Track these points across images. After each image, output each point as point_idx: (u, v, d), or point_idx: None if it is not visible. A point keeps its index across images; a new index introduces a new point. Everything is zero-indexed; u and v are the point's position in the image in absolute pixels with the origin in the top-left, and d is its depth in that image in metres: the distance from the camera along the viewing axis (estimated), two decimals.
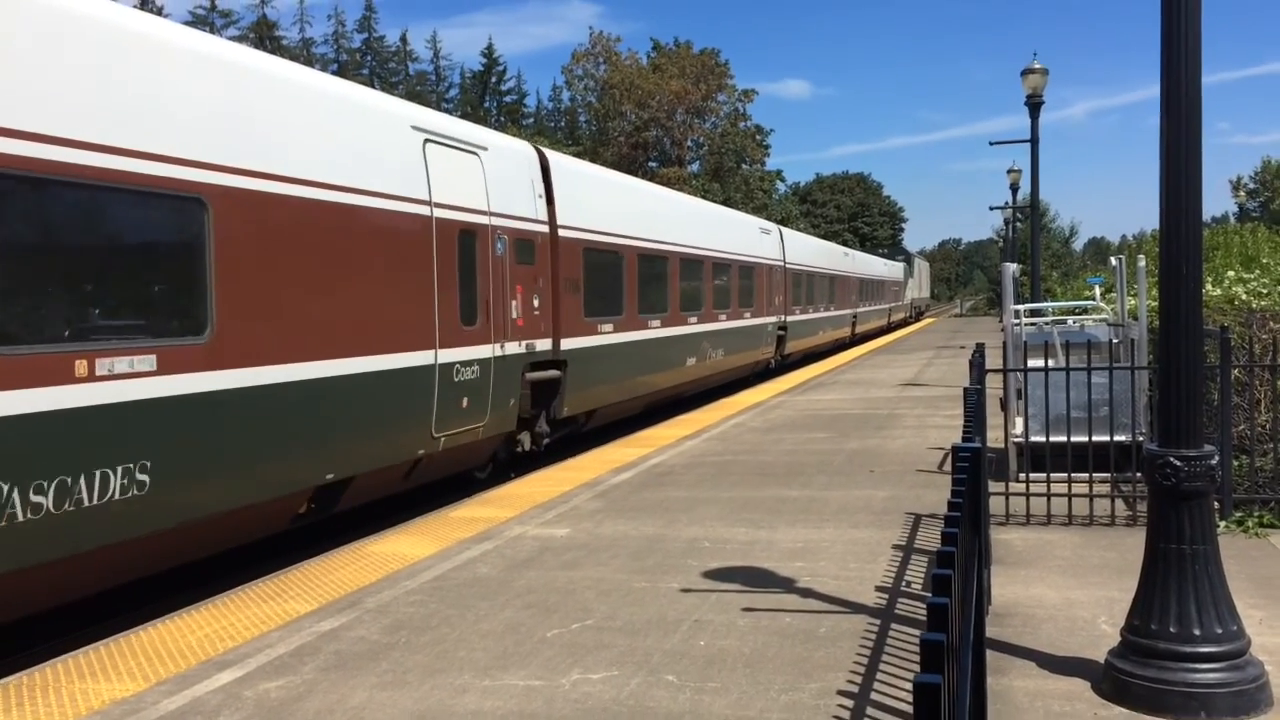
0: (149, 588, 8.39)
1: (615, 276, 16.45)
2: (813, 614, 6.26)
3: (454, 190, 11.33)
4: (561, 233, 14.30)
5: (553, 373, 13.71)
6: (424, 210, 10.66)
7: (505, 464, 13.24)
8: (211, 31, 71.32)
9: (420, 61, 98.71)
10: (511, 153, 13.39)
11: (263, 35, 76.57)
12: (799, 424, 15.39)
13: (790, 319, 29.95)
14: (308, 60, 79.05)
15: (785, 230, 32.61)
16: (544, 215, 13.83)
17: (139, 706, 5.11)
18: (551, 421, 13.92)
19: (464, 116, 62.50)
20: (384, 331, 9.85)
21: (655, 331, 17.99)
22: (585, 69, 67.30)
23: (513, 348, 12.46)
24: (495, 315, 12.01)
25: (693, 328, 20.19)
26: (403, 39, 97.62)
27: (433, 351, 10.67)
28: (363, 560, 7.93)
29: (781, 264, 29.40)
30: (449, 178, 11.24)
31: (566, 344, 14.12)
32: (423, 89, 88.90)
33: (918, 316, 79.30)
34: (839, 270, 40.05)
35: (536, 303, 13.26)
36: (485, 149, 12.43)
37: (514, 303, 12.54)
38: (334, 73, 77.70)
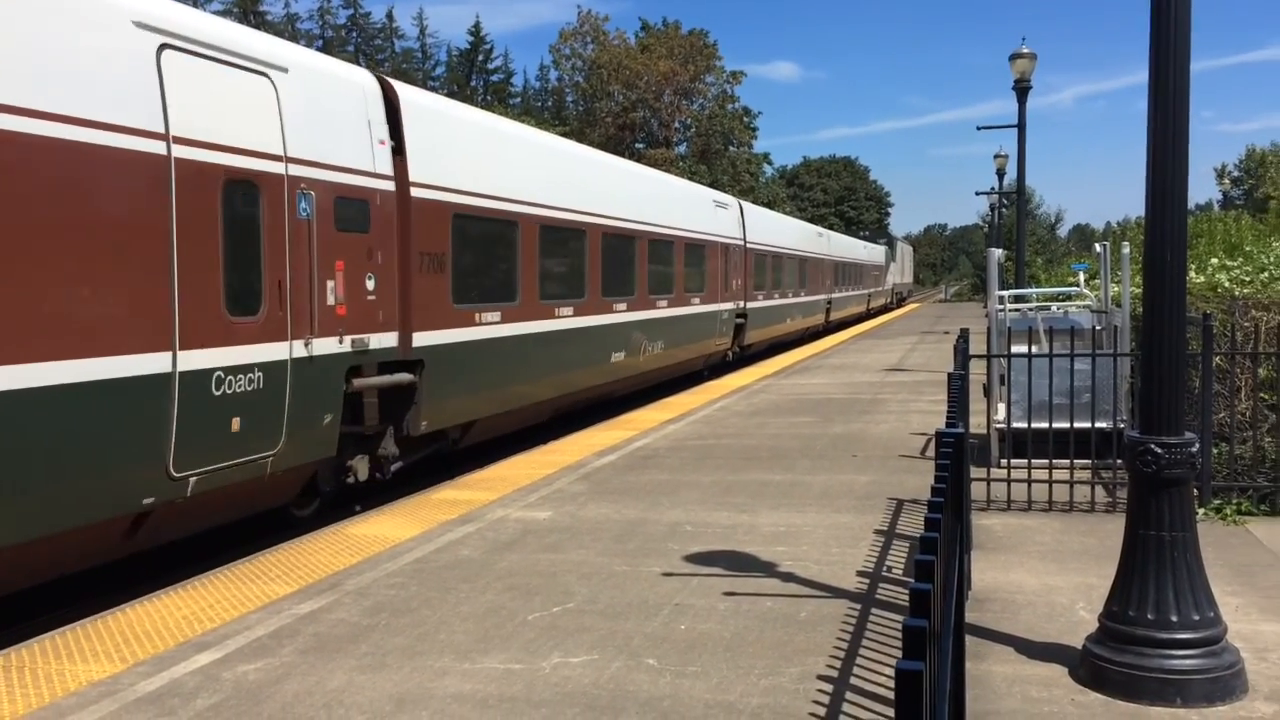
0: (127, 569, 8.34)
1: (506, 252, 13.29)
2: (794, 598, 6.26)
3: (217, 123, 8.26)
4: (418, 192, 11.04)
5: (402, 376, 10.62)
6: (155, 147, 7.60)
7: (336, 498, 10.45)
8: (194, 6, 70.56)
9: (406, 39, 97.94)
10: (332, 79, 10.03)
11: (247, 10, 75.85)
12: (783, 408, 15.40)
13: (752, 305, 26.84)
14: (292, 36, 78.43)
15: (747, 205, 28.80)
16: (388, 168, 10.59)
17: (116, 688, 5.07)
18: (405, 440, 10.91)
19: (450, 95, 62.21)
20: (77, 324, 6.90)
21: (566, 321, 14.89)
22: (573, 48, 67.00)
23: (327, 345, 9.40)
24: (295, 301, 8.99)
25: (620, 316, 17.16)
26: (389, 16, 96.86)
27: (168, 354, 7.63)
28: (343, 542, 7.90)
29: (741, 243, 26.11)
30: (208, 104, 8.20)
31: (423, 338, 11.04)
32: (409, 66, 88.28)
33: (899, 302, 75.66)
34: (811, 252, 36.52)
35: (372, 285, 10.15)
36: (284, 70, 9.16)
37: (331, 284, 9.51)
38: (319, 49, 77.13)
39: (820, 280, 38.93)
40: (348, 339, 9.68)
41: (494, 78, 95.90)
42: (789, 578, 6.68)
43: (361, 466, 10.28)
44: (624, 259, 17.38)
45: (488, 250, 12.83)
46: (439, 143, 11.62)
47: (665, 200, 20.52)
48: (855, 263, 49.70)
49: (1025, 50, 22.69)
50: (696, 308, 21.68)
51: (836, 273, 42.86)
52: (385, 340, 10.34)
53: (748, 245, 26.95)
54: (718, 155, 66.62)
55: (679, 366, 21.06)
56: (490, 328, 12.57)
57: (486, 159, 12.82)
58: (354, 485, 10.34)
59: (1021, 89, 23.14)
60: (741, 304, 25.87)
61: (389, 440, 10.65)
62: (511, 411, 13.36)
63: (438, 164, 11.49)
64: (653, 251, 18.88)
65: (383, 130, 10.56)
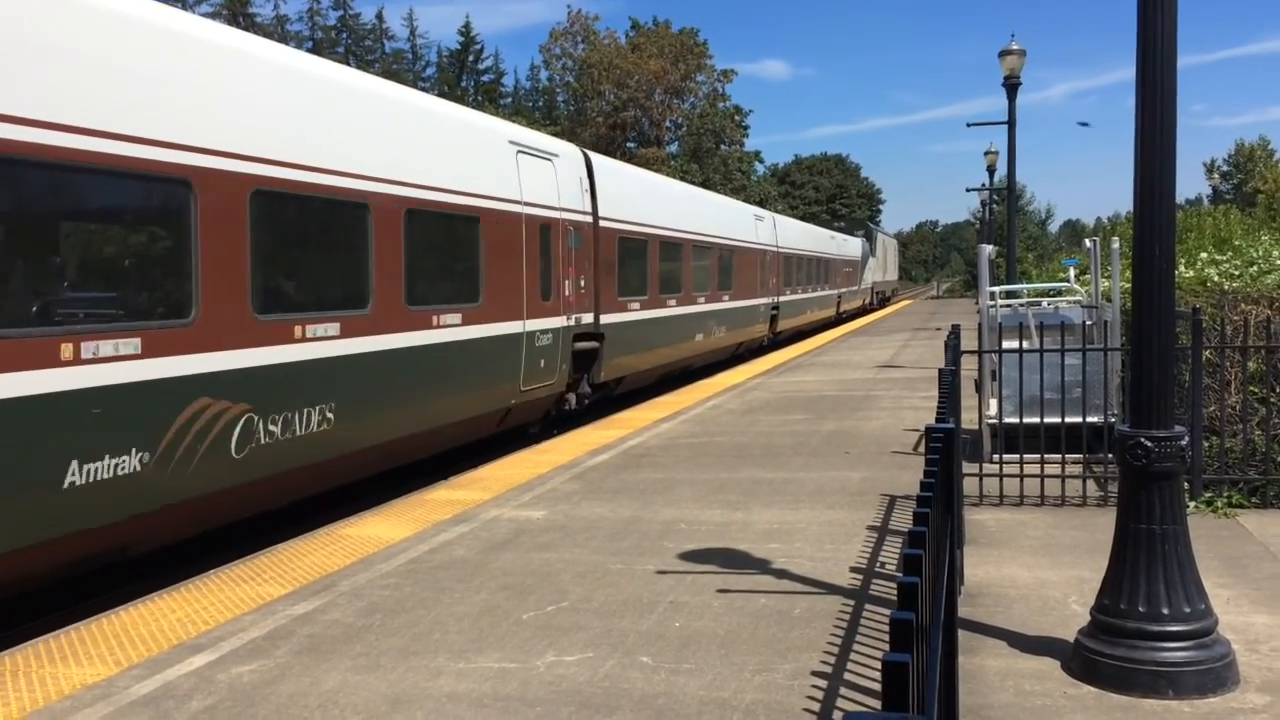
0: (121, 572, 8.34)
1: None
2: (787, 595, 6.28)
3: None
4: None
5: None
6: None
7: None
8: (184, 8, 70.39)
9: (397, 40, 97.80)
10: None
11: (236, 12, 75.65)
12: (776, 406, 15.43)
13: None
14: (281, 38, 78.23)
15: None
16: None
17: (110, 690, 5.07)
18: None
19: (440, 96, 62.09)
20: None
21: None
22: (563, 48, 67.01)
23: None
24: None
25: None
26: (379, 16, 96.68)
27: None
28: (337, 543, 7.90)
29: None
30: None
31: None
32: (399, 68, 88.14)
33: (882, 303, 66.67)
34: (741, 242, 27.60)
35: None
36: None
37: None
38: (310, 50, 76.89)
39: (749, 281, 31.11)
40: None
41: (485, 78, 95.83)
42: (783, 574, 6.70)
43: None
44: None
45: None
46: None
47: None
48: (817, 257, 41.71)
49: (1015, 47, 22.75)
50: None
51: (787, 270, 33.99)
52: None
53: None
54: (709, 154, 66.67)
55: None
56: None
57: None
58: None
59: (1011, 85, 23.20)
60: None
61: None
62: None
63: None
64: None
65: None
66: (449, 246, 12.06)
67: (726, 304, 25.24)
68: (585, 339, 15.82)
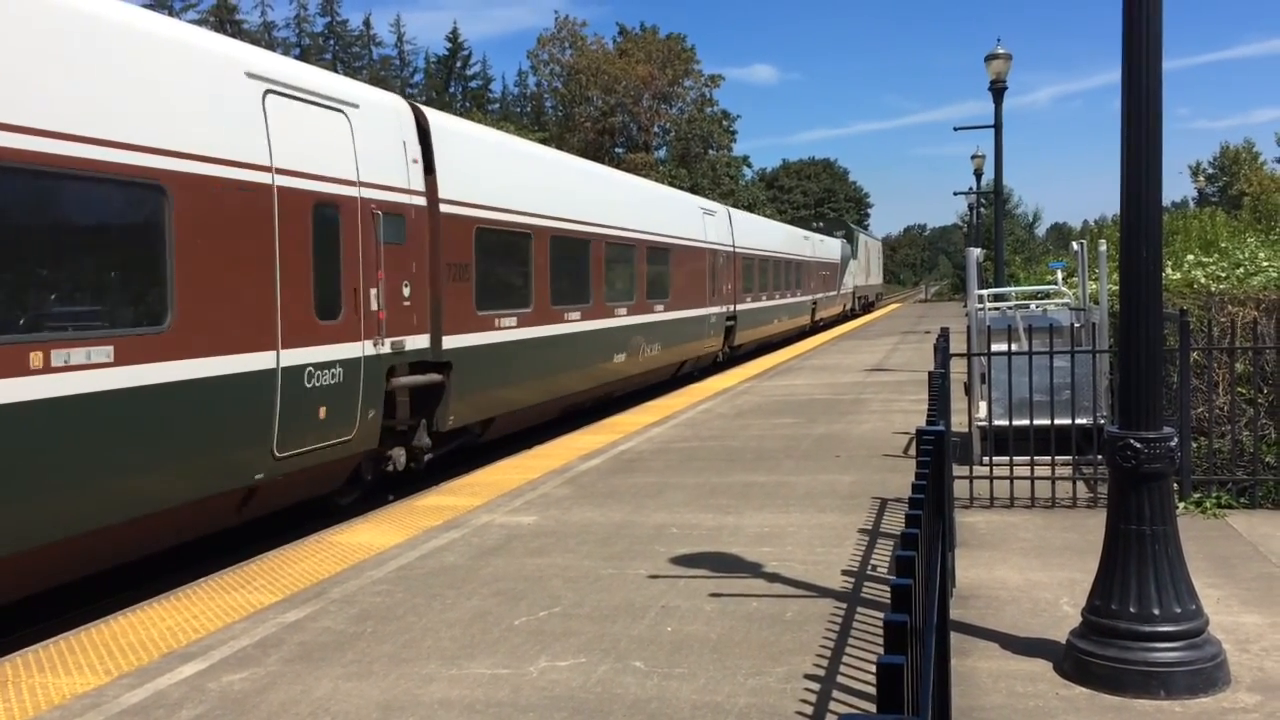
0: (111, 580, 8.30)
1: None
2: (779, 598, 6.28)
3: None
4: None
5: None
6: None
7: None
8: (170, 15, 70.23)
9: (384, 46, 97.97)
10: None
11: (223, 19, 75.53)
12: (766, 409, 15.44)
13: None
14: (269, 44, 78.14)
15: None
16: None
17: (100, 700, 5.05)
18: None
19: (429, 102, 62.06)
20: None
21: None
22: (551, 54, 67.07)
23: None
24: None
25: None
26: (366, 23, 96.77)
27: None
28: (328, 550, 7.88)
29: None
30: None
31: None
32: (387, 74, 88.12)
33: (865, 308, 62.24)
34: (682, 240, 22.42)
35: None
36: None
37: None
38: (297, 56, 76.92)
39: (697, 285, 25.13)
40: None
41: (472, 84, 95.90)
42: (774, 578, 6.70)
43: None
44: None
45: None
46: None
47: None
48: (787, 258, 35.81)
49: (1001, 51, 22.86)
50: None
51: (746, 272, 28.67)
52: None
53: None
54: (697, 159, 66.76)
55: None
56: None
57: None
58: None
59: (997, 89, 23.31)
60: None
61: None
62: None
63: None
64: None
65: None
66: (63, 231, 7.20)
67: (660, 315, 19.99)
68: (420, 370, 11.46)
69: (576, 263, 16.24)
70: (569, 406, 16.19)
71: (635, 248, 19.07)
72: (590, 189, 17.62)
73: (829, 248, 47.80)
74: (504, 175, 13.82)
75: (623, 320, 18.07)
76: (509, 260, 13.89)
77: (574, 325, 15.88)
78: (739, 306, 27.20)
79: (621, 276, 18.32)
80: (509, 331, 13.52)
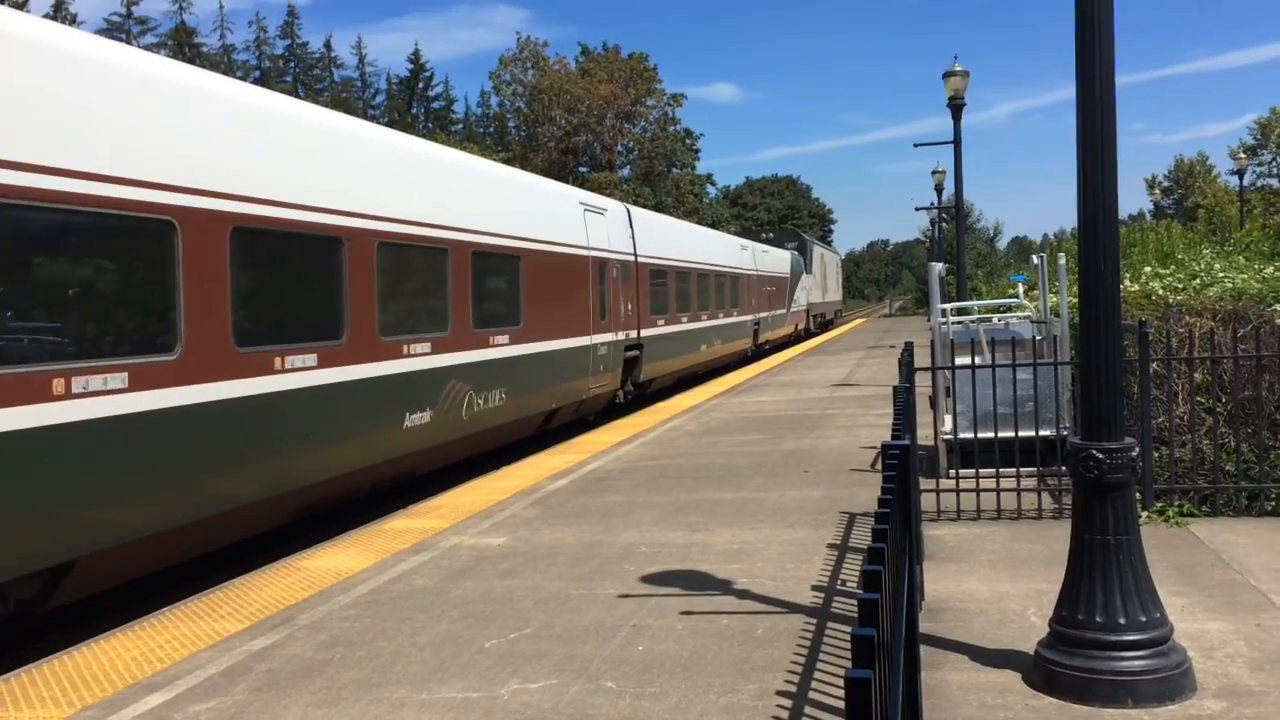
0: (76, 610, 8.16)
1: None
2: (750, 615, 6.29)
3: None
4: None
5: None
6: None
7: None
8: (127, 40, 69.73)
9: (345, 68, 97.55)
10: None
11: (181, 43, 75.02)
12: (734, 426, 15.48)
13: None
14: (228, 68, 77.63)
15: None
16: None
17: None
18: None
19: (391, 124, 61.93)
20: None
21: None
22: (513, 74, 67.15)
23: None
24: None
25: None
26: (327, 45, 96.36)
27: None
28: (295, 575, 7.80)
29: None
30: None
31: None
32: (348, 96, 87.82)
33: (822, 327, 56.47)
34: (544, 245, 16.63)
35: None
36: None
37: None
38: (257, 80, 76.46)
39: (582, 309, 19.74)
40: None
41: (435, 104, 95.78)
42: (745, 595, 6.71)
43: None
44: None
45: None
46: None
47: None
48: (717, 271, 29.76)
49: (958, 68, 23.14)
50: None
51: (654, 290, 22.99)
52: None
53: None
54: (661, 177, 67.00)
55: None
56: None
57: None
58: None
59: (956, 106, 23.58)
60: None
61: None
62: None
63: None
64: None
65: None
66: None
67: (502, 350, 14.36)
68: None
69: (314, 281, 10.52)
70: (344, 488, 10.97)
71: (446, 253, 12.86)
72: (338, 156, 11.12)
73: (775, 260, 42.17)
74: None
75: (424, 362, 12.12)
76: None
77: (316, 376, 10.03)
78: (646, 332, 21.52)
79: (416, 296, 12.63)
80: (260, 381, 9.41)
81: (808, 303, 50.41)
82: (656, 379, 22.94)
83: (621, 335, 20.03)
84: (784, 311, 42.66)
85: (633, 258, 21.32)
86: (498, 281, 14.70)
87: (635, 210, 23.07)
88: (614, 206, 21.17)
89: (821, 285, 58.13)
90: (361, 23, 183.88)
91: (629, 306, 20.65)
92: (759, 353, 35.93)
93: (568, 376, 17.05)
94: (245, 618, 6.73)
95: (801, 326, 48.02)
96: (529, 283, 15.51)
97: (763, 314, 37.10)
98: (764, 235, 50.31)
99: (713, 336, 28.52)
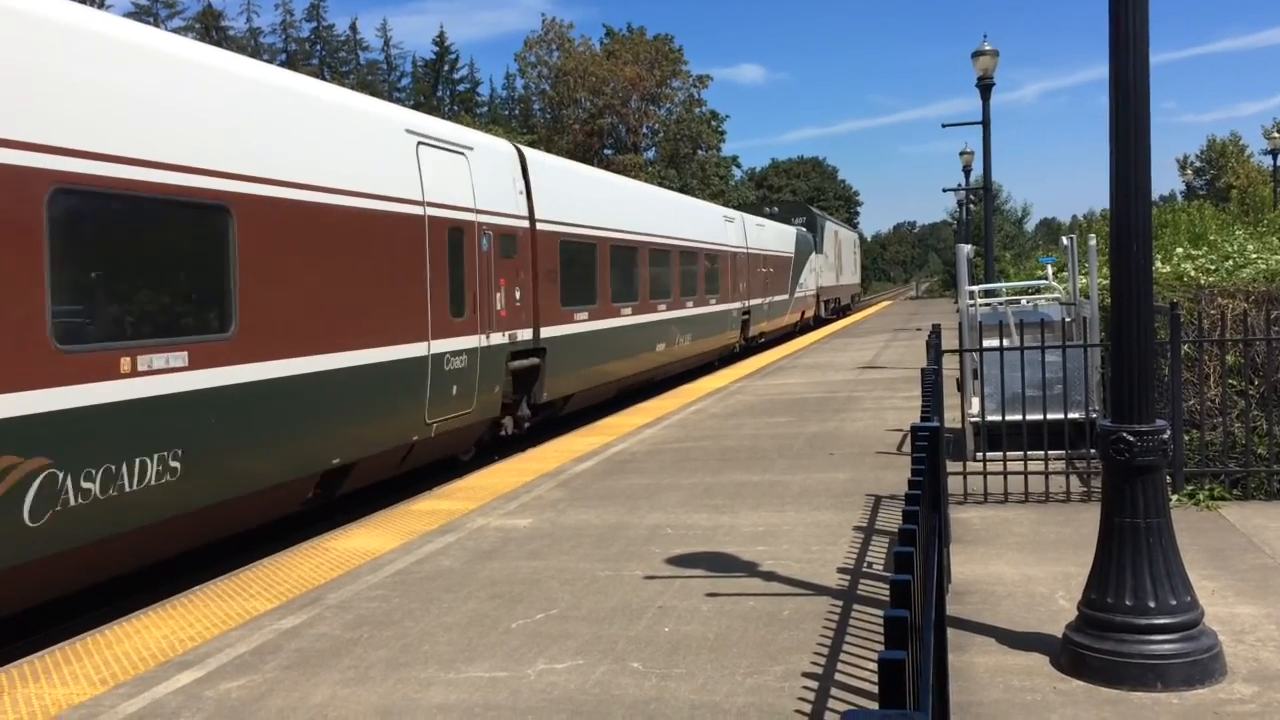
0: (106, 590, 8.27)
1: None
2: (776, 597, 6.29)
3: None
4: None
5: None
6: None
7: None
8: (155, 22, 70.12)
9: (371, 50, 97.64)
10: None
11: (208, 25, 75.32)
12: (759, 409, 15.45)
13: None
14: (255, 51, 77.92)
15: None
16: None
17: (96, 710, 5.03)
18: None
19: (416, 107, 62.01)
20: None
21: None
22: (538, 56, 67.04)
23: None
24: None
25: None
26: (352, 27, 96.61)
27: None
28: (323, 556, 7.86)
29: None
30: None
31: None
32: (374, 79, 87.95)
33: (838, 313, 51.61)
34: (353, 197, 10.20)
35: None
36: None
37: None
38: (282, 63, 76.70)
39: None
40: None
41: (460, 87, 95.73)
42: (770, 577, 6.71)
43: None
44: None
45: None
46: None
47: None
48: (685, 248, 23.19)
49: (987, 47, 22.90)
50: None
51: (568, 272, 16.20)
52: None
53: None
54: (686, 159, 66.78)
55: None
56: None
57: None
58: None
59: (985, 86, 23.36)
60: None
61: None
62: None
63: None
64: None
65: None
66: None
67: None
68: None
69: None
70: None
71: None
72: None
73: (776, 236, 35.56)
74: None
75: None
76: None
77: None
78: (550, 331, 15.13)
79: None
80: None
81: (817, 286, 44.82)
82: (575, 395, 16.50)
83: (501, 337, 13.37)
84: (786, 297, 36.34)
85: (526, 221, 14.51)
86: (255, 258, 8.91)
87: (534, 155, 15.83)
88: (485, 143, 14.09)
89: (835, 266, 52.15)
90: (387, 5, 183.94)
91: (516, 296, 13.99)
92: (750, 348, 29.73)
93: (367, 412, 10.40)
94: (274, 597, 6.80)
95: (810, 314, 42.84)
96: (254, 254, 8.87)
97: (756, 301, 30.63)
98: (767, 210, 43.98)
99: (676, 332, 21.95)
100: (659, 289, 21.17)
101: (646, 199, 22.83)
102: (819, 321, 44.43)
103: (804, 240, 41.72)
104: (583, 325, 16.63)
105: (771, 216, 40.27)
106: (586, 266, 17.10)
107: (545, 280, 14.98)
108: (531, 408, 14.64)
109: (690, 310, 23.21)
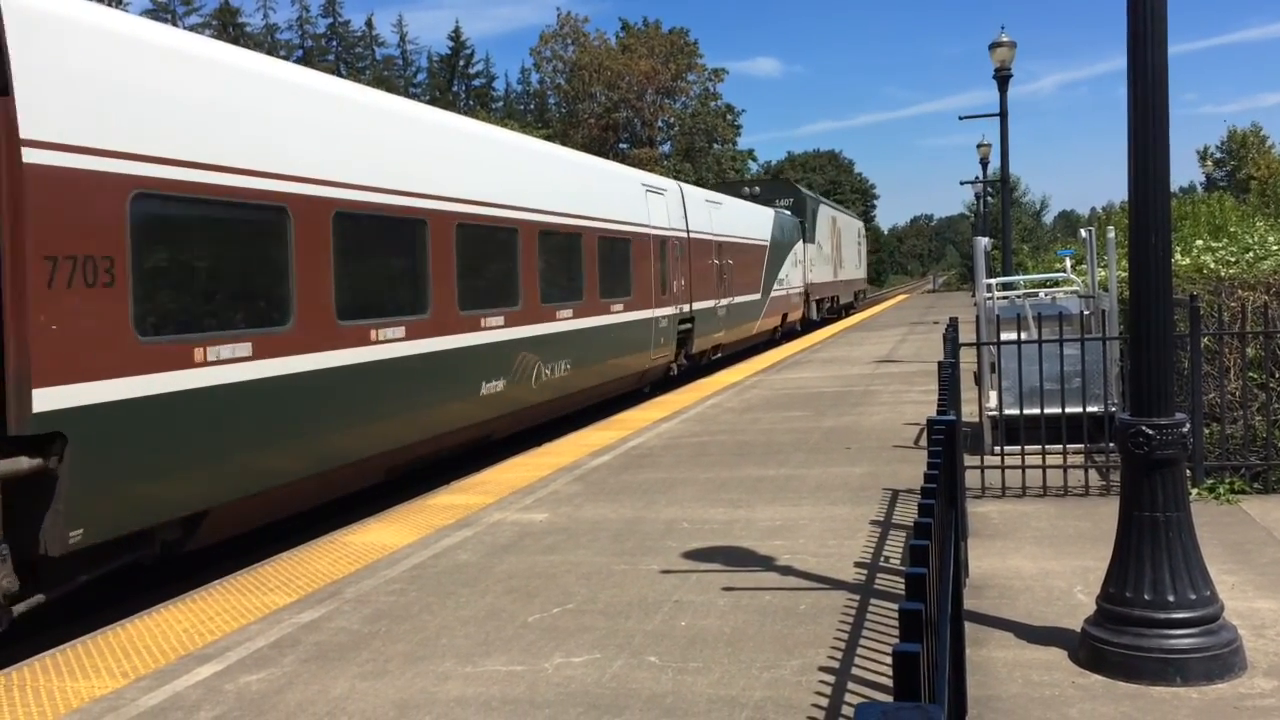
0: (126, 584, 8.34)
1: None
2: (792, 591, 6.29)
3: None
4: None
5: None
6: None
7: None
8: (173, 19, 70.38)
9: (387, 46, 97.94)
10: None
11: (226, 23, 75.63)
12: (775, 403, 15.43)
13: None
14: (271, 47, 78.20)
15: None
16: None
17: (118, 703, 5.07)
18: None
19: (432, 101, 62.11)
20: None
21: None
22: (554, 50, 67.12)
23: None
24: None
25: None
26: (368, 23, 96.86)
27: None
28: (341, 550, 7.90)
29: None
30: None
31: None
32: (390, 74, 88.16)
33: (839, 312, 44.74)
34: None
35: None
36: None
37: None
38: (300, 59, 76.93)
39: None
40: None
41: (475, 82, 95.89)
42: (787, 571, 6.70)
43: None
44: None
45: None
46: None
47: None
48: (550, 226, 14.65)
49: (1005, 39, 22.76)
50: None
51: (341, 264, 9.57)
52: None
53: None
54: (702, 153, 66.72)
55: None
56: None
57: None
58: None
59: (1002, 77, 23.22)
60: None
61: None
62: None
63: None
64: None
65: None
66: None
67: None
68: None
69: None
70: None
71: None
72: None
73: (740, 218, 27.85)
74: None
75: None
76: None
77: None
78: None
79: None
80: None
81: (806, 283, 36.80)
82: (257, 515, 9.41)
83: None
84: (757, 297, 28.62)
85: (315, 193, 9.50)
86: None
87: (324, 80, 10.65)
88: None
89: (831, 259, 43.08)
90: (403, 1, 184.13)
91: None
92: (692, 370, 22.07)
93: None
94: (293, 591, 6.83)
95: (795, 316, 34.89)
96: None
97: (704, 304, 22.92)
98: (746, 190, 36.62)
99: (493, 367, 12.70)
100: (534, 293, 13.97)
101: (493, 142, 14.19)
102: (808, 325, 36.80)
103: (787, 226, 33.83)
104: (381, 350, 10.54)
105: (752, 197, 34.00)
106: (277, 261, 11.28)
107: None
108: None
109: (549, 325, 14.48)
